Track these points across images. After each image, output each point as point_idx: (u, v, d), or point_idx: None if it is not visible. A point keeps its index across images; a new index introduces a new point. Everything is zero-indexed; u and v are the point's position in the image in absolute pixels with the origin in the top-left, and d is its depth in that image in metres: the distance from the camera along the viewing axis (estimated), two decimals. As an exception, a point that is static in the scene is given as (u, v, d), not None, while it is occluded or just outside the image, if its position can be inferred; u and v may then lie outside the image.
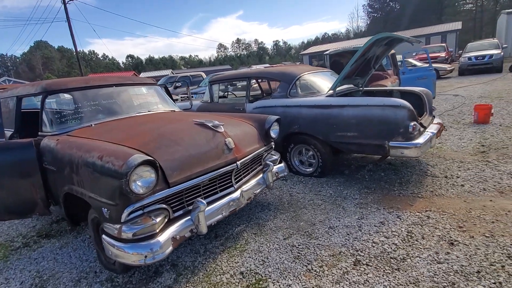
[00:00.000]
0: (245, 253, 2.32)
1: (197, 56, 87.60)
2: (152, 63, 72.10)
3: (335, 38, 74.39)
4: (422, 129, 3.17)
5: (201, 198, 2.14)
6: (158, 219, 1.84)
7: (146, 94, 3.46)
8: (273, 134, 2.90)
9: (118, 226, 1.78)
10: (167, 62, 73.86)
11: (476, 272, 1.87)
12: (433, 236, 2.30)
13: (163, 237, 1.82)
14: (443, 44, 17.87)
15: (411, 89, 4.05)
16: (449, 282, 1.81)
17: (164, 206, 1.96)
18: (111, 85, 3.13)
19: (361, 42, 29.85)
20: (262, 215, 2.92)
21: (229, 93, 5.62)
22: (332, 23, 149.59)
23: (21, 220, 3.26)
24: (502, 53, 13.22)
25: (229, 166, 2.29)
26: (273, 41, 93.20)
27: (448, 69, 13.95)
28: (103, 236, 1.89)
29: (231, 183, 2.39)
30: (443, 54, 16.71)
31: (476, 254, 2.04)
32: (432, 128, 3.38)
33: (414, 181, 3.36)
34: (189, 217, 2.01)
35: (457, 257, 2.03)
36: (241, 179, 2.53)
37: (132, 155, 1.72)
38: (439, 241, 2.23)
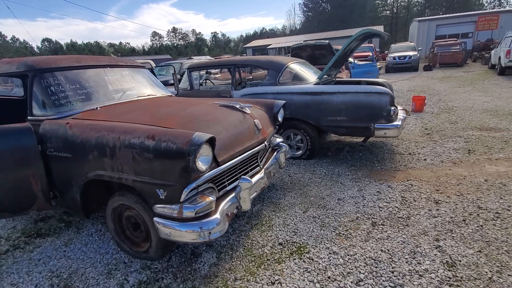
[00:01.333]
0: (273, 227, 2.47)
1: (128, 43, 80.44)
2: (75, 49, 63.53)
3: (272, 33, 76.78)
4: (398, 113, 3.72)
5: (237, 177, 2.21)
6: (213, 197, 1.86)
7: (138, 77, 3.24)
8: (280, 117, 3.07)
9: (177, 206, 1.75)
10: (93, 49, 66.02)
11: (462, 221, 2.40)
12: (421, 198, 2.80)
13: (219, 214, 1.85)
14: (371, 45, 20.24)
15: (376, 80, 4.64)
16: (448, 230, 2.29)
17: (211, 185, 1.98)
18: (105, 66, 2.86)
19: (298, 39, 31.80)
20: (272, 194, 3.09)
21: (207, 80, 5.53)
22: (268, 18, 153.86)
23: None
24: (418, 55, 15.74)
25: (260, 146, 2.39)
26: (211, 33, 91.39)
27: (378, 67, 15.95)
28: (156, 218, 1.82)
29: (257, 163, 2.49)
30: (371, 54, 18.93)
31: (456, 208, 2.59)
32: (401, 113, 3.99)
33: (387, 158, 3.94)
34: (233, 194, 2.06)
35: (445, 211, 2.55)
36: (262, 159, 2.65)
37: (194, 133, 1.71)
38: (427, 201, 2.74)
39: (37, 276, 2.06)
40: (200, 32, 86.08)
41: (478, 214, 2.47)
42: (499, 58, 11.74)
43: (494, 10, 27.79)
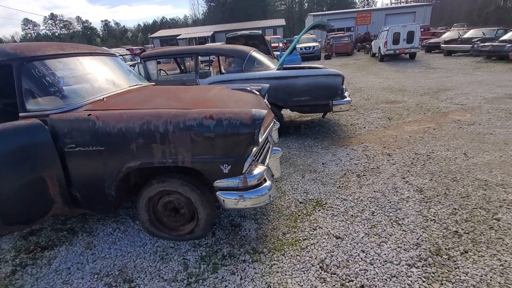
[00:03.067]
0: (287, 193, 2.87)
1: (-15, 32, 63.14)
2: None
3: (174, 23, 73.27)
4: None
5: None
6: (264, 166, 2.13)
7: (116, 66, 3.02)
8: (266, 100, 3.42)
9: (241, 177, 1.95)
10: None
11: (411, 163, 3.32)
12: (378, 154, 3.67)
13: (269, 180, 2.13)
14: (279, 36, 22.07)
15: (316, 66, 5.45)
16: (405, 170, 3.16)
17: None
18: (88, 54, 2.62)
19: (207, 30, 31.66)
20: (266, 169, 3.46)
21: (160, 71, 5.29)
22: (165, 7, 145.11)
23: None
24: (319, 45, 18.13)
25: (273, 123, 2.72)
26: (102, 21, 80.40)
27: (289, 56, 17.65)
28: (219, 193, 1.97)
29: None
30: (280, 45, 20.69)
31: (403, 156, 3.54)
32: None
33: (338, 129, 4.80)
34: (266, 164, 2.36)
35: (398, 159, 3.46)
36: (268, 135, 2.98)
37: (252, 110, 1.93)
38: (383, 155, 3.62)
39: (82, 282, 1.91)
40: (87, 20, 74.48)
41: (418, 158, 3.46)
42: (379, 48, 14.73)
43: (368, 8, 34.15)
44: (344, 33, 21.43)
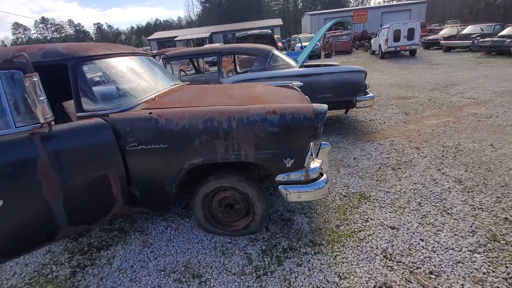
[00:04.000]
0: (327, 187, 2.91)
1: (-25, 37, 62.12)
2: None
3: (167, 25, 73.00)
4: (366, 87, 4.64)
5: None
6: (320, 159, 2.17)
7: (151, 65, 3.02)
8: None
9: (303, 171, 1.99)
10: None
11: (442, 156, 3.39)
12: (406, 148, 3.74)
13: (325, 174, 2.17)
14: (278, 36, 22.16)
15: (331, 63, 5.51)
16: (438, 163, 3.22)
17: (306, 152, 2.27)
18: (131, 54, 2.63)
19: (204, 31, 31.56)
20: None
21: (180, 70, 5.29)
22: (158, 9, 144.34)
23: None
24: (319, 44, 18.24)
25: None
26: (95, 24, 79.64)
27: (289, 55, 17.76)
28: (281, 186, 2.00)
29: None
30: (280, 44, 20.79)
31: (432, 149, 3.61)
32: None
33: (359, 125, 4.86)
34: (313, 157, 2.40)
35: (428, 152, 3.52)
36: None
37: (313, 104, 1.97)
38: (411, 149, 3.69)
39: (150, 279, 1.92)
40: (79, 23, 73.75)
41: (446, 150, 3.53)
42: (379, 45, 14.88)
43: (364, 6, 34.55)
44: (342, 32, 21.56)
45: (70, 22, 70.79)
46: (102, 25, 75.87)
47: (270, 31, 7.85)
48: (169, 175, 2.04)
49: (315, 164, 2.10)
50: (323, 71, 4.26)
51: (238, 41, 7.95)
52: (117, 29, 78.02)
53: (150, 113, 2.01)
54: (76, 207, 1.85)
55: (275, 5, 51.15)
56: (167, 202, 2.15)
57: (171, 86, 2.77)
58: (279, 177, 2.01)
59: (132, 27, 78.67)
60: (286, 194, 2.00)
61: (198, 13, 57.68)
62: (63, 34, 66.20)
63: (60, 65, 2.05)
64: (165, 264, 2.04)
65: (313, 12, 29.57)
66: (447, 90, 6.92)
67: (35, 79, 1.55)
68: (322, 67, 4.36)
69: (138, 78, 2.47)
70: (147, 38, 33.56)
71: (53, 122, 1.73)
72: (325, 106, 2.01)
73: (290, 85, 2.77)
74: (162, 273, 1.97)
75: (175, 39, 27.03)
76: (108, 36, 71.86)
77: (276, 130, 1.91)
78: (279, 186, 2.02)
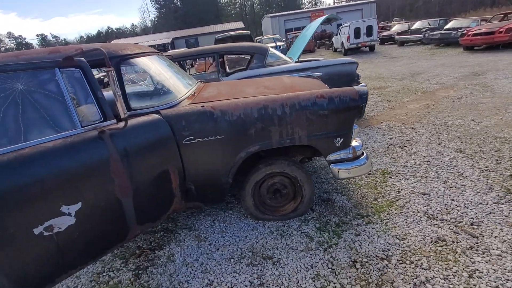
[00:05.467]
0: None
1: None
2: None
3: (120, 33, 69.82)
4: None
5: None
6: (359, 138, 2.37)
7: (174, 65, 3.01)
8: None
9: (350, 148, 2.17)
10: None
11: (436, 133, 3.81)
12: (402, 129, 4.12)
13: (364, 151, 2.37)
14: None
15: (316, 58, 5.83)
16: (436, 138, 3.62)
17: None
18: (156, 53, 2.61)
19: (164, 36, 30.79)
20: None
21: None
22: (107, 16, 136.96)
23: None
24: (284, 44, 18.83)
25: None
26: (38, 35, 73.27)
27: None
28: (332, 166, 2.16)
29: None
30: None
31: (424, 128, 4.02)
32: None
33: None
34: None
35: (422, 131, 3.92)
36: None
37: (354, 87, 2.15)
38: (407, 129, 4.08)
39: (222, 267, 1.95)
40: (20, 35, 67.39)
41: (438, 127, 3.97)
42: (342, 43, 15.81)
43: (321, 7, 36.35)
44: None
45: (10, 34, 64.45)
46: (46, 35, 70.25)
47: (249, 32, 8.02)
48: (225, 165, 2.09)
49: (356, 142, 2.29)
50: (318, 64, 4.50)
51: (217, 42, 7.97)
52: (64, 39, 72.75)
53: (203, 106, 2.05)
54: (143, 205, 1.83)
55: (233, 9, 51.62)
56: (221, 193, 2.19)
57: (195, 83, 2.79)
58: (330, 157, 2.17)
59: (81, 37, 73.90)
60: (338, 171, 2.16)
61: (154, 19, 56.04)
62: (3, 47, 60.01)
63: (100, 65, 2.01)
64: (230, 253, 2.08)
65: (273, 14, 30.47)
66: (415, 78, 7.64)
67: (114, 74, 1.53)
68: (317, 61, 4.62)
69: (171, 75, 2.47)
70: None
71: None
72: (366, 88, 2.20)
73: (312, 75, 2.95)
74: (232, 260, 2.01)
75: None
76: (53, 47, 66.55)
77: (326, 113, 2.07)
78: (331, 165, 2.18)
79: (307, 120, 2.07)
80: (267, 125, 2.04)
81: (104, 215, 1.64)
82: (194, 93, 2.37)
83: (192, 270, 1.97)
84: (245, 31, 8.03)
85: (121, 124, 1.69)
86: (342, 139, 2.14)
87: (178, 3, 48.30)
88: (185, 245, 2.24)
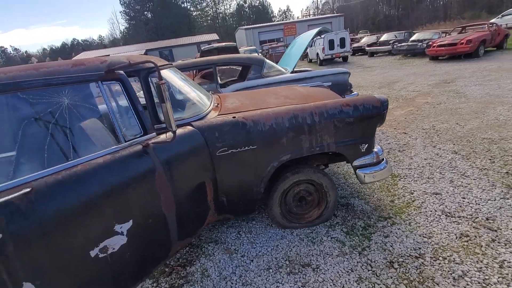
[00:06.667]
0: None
1: None
2: None
3: (87, 45, 67.28)
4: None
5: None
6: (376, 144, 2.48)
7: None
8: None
9: (373, 154, 2.27)
10: None
11: (428, 137, 4.09)
12: (396, 134, 4.37)
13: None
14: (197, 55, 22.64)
15: (305, 68, 6.04)
16: (429, 141, 3.88)
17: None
18: (170, 65, 2.58)
19: (133, 48, 30.09)
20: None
21: None
22: (72, 28, 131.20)
23: None
24: (261, 55, 19.24)
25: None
26: (-5, 48, 68.30)
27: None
28: (358, 171, 2.24)
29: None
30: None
31: (414, 132, 4.30)
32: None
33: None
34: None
35: (414, 135, 4.19)
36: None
37: (374, 95, 2.28)
38: (400, 134, 4.33)
39: (262, 278, 1.93)
40: (-27, 48, 62.42)
41: (428, 131, 4.26)
42: (317, 54, 16.46)
43: (293, 20, 37.68)
44: (277, 44, 23.10)
45: (-40, 46, 59.42)
46: (6, 48, 65.78)
47: (235, 44, 8.13)
48: (258, 175, 2.10)
49: (377, 146, 2.41)
50: (313, 74, 4.67)
51: (203, 54, 7.98)
52: (26, 51, 68.52)
53: (234, 117, 2.05)
54: (184, 219, 1.78)
55: (205, 21, 51.90)
56: (253, 204, 2.19)
57: (211, 94, 2.79)
58: (356, 162, 2.26)
59: (44, 49, 70.09)
60: (364, 176, 2.25)
61: (123, 30, 54.66)
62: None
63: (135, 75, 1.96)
64: (266, 263, 2.07)
65: (247, 27, 31.11)
66: (392, 86, 8.14)
67: (166, 87, 1.50)
68: (311, 72, 4.79)
69: (191, 87, 2.45)
70: (74, 58, 30.38)
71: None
72: (385, 96, 2.34)
73: (322, 85, 3.06)
74: (270, 270, 2.00)
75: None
76: (16, 60, 62.54)
77: (352, 120, 2.16)
78: (357, 170, 2.26)
79: (335, 128, 2.15)
80: (298, 133, 2.09)
81: (151, 232, 1.58)
82: (218, 104, 2.37)
83: (232, 283, 1.93)
84: (230, 43, 8.14)
85: (168, 136, 1.66)
86: (366, 145, 2.25)
87: (149, 15, 47.71)
88: (216, 259, 2.19)
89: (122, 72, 1.66)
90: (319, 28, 4.96)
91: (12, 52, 64.97)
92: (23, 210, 1.11)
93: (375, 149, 2.36)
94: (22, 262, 1.10)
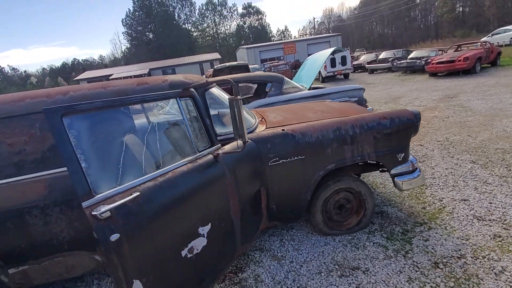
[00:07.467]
0: (383, 183, 3.42)
1: None
2: None
3: (88, 64, 68.46)
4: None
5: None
6: (408, 154, 2.66)
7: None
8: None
9: (409, 162, 2.45)
10: None
11: (450, 147, 4.28)
12: (413, 146, 4.55)
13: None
14: (211, 70, 23.26)
15: (317, 85, 6.32)
16: (446, 152, 4.07)
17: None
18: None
19: (136, 68, 30.82)
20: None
21: None
22: (71, 48, 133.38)
23: None
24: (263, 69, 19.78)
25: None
26: (-7, 68, 69.27)
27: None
28: (395, 179, 2.40)
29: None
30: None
31: (434, 144, 4.49)
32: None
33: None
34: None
35: (432, 147, 4.38)
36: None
37: (407, 108, 2.48)
38: (417, 146, 4.52)
39: (316, 281, 2.03)
40: (-27, 69, 63.33)
41: (442, 143, 4.46)
42: (319, 71, 16.95)
43: (292, 40, 38.99)
44: (278, 62, 23.76)
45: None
46: (3, 68, 66.74)
47: (247, 62, 8.48)
48: (306, 184, 2.25)
49: (410, 156, 2.58)
50: (330, 91, 4.92)
51: (216, 72, 8.29)
52: (25, 71, 69.48)
53: (283, 130, 2.23)
54: (245, 225, 1.91)
55: (206, 42, 53.58)
56: (299, 211, 2.33)
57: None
58: (394, 170, 2.42)
59: (44, 69, 71.12)
60: (402, 183, 2.41)
61: (124, 50, 55.97)
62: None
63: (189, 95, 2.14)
64: (316, 268, 2.18)
65: (249, 46, 32.18)
66: (397, 101, 8.44)
67: (241, 102, 1.68)
68: (329, 88, 5.04)
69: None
70: (75, 78, 30.99)
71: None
72: (418, 110, 2.54)
73: (349, 100, 3.28)
74: (322, 274, 2.11)
75: (110, 78, 25.67)
76: (14, 80, 63.29)
77: (390, 131, 2.35)
78: (395, 178, 2.42)
79: (374, 139, 2.33)
80: (341, 144, 2.27)
81: (223, 235, 1.71)
82: (262, 118, 2.55)
83: (287, 287, 2.04)
84: (242, 62, 8.49)
85: (239, 146, 1.82)
86: (403, 154, 2.42)
87: (151, 36, 49.16)
88: (266, 265, 2.29)
89: (193, 89, 1.85)
90: (334, 48, 5.27)
91: (10, 71, 65.88)
92: (135, 212, 1.25)
93: (409, 158, 2.54)
94: (134, 260, 1.23)
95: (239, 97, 1.68)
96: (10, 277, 1.86)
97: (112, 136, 1.41)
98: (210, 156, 1.74)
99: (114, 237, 1.12)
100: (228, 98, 1.71)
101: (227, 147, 1.89)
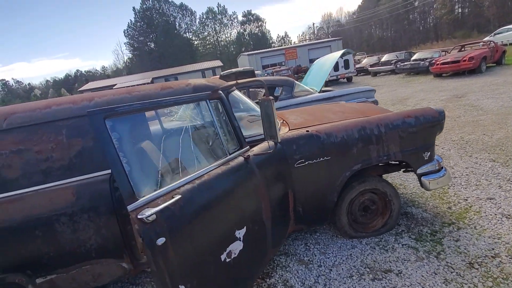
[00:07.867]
0: (403, 184, 3.37)
1: None
2: None
3: (91, 76, 69.23)
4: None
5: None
6: (431, 153, 2.62)
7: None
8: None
9: (435, 161, 2.40)
10: None
11: (466, 146, 4.23)
12: (427, 146, 4.50)
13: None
14: (217, 76, 23.38)
15: (330, 89, 6.31)
16: (466, 151, 4.02)
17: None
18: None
19: (139, 77, 31.13)
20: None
21: None
22: (73, 60, 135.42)
23: None
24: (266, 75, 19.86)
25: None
26: (-1, 81, 70.28)
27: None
28: (422, 178, 2.36)
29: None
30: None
31: (449, 144, 4.44)
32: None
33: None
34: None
35: (448, 147, 4.32)
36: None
37: (431, 107, 2.45)
38: (432, 146, 4.46)
39: (348, 284, 1.98)
40: (-22, 82, 64.26)
41: (458, 142, 4.40)
42: (322, 75, 16.98)
43: (294, 45, 39.32)
44: (280, 67, 23.87)
45: (-34, 81, 61.20)
46: (8, 81, 67.64)
47: (252, 68, 8.51)
48: (332, 185, 2.22)
49: (435, 155, 2.54)
50: (341, 93, 4.91)
51: (222, 78, 8.30)
52: (29, 83, 70.32)
53: (307, 131, 2.21)
54: (276, 227, 1.88)
55: (207, 50, 54.20)
56: (326, 214, 2.29)
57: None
58: (420, 170, 2.38)
59: (47, 81, 71.96)
60: (429, 182, 2.37)
61: (126, 61, 56.62)
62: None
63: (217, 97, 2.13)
64: (346, 271, 2.13)
65: (250, 53, 32.45)
66: (405, 103, 8.40)
67: (273, 103, 1.66)
68: (340, 91, 5.03)
69: (252, 103, 2.63)
70: (79, 89, 31.32)
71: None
72: (442, 107, 2.51)
73: (367, 100, 3.26)
74: (353, 278, 2.05)
75: (114, 88, 25.94)
76: (18, 92, 64.07)
77: (415, 130, 2.32)
78: (422, 177, 2.38)
79: (400, 138, 2.30)
80: (367, 144, 2.23)
81: (256, 238, 1.67)
82: (283, 121, 2.53)
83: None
84: (248, 68, 8.53)
85: (268, 147, 1.80)
86: (429, 153, 2.38)
87: (153, 45, 49.78)
88: (293, 270, 2.24)
89: (221, 92, 1.83)
90: (343, 50, 5.28)
91: (14, 84, 66.73)
92: (177, 215, 1.22)
93: (435, 157, 2.50)
94: (178, 265, 1.20)
95: (271, 97, 1.66)
96: (38, 287, 1.82)
97: (148, 139, 1.39)
98: (241, 158, 1.71)
99: (161, 241, 1.09)
100: (260, 99, 1.69)
101: (256, 149, 1.86)
